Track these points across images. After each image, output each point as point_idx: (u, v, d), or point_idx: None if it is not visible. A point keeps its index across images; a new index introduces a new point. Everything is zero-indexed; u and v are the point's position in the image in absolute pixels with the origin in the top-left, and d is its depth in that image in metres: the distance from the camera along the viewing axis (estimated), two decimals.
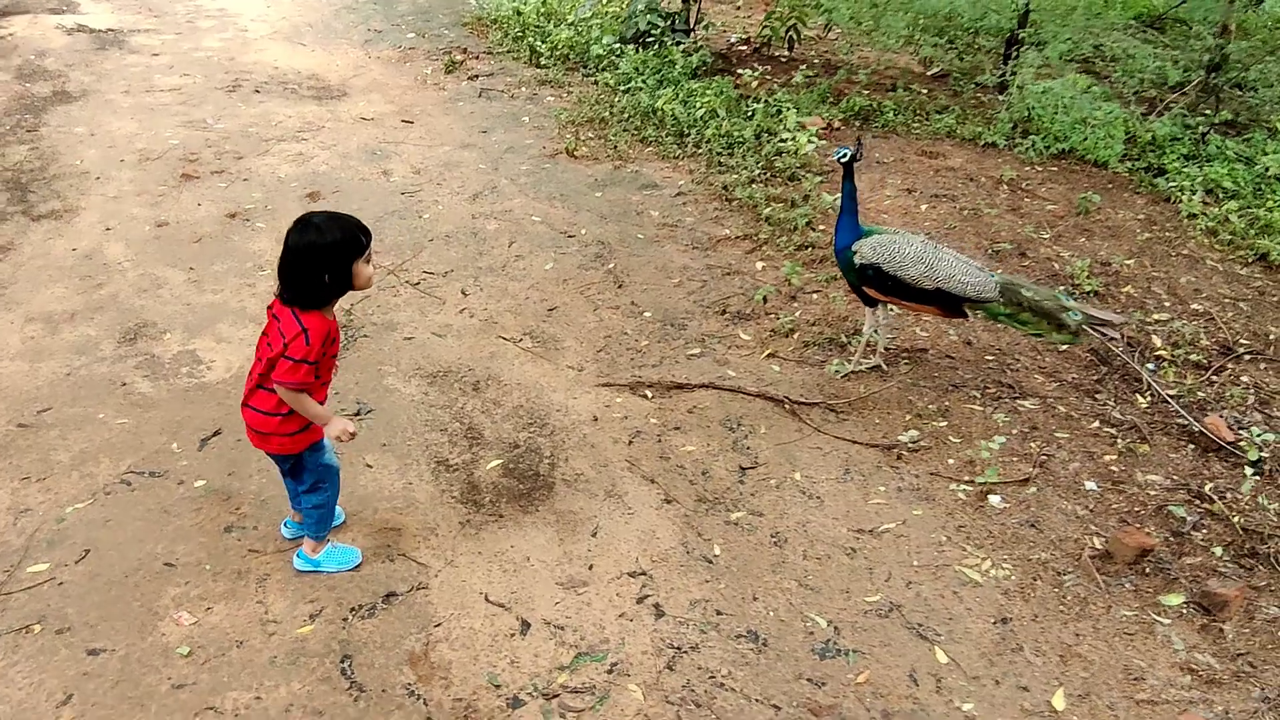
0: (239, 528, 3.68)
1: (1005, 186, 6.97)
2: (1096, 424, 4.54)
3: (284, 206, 6.31)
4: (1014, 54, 8.78)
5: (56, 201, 6.22)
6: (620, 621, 3.38)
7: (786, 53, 10.19)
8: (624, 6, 10.12)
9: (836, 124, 7.99)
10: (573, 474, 4.09)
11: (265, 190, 6.53)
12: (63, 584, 3.39)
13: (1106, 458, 4.32)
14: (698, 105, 7.59)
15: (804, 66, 8.80)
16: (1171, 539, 3.86)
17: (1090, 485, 4.14)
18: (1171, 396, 4.71)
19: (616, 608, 3.43)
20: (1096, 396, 4.75)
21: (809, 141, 6.88)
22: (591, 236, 6.08)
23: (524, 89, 8.73)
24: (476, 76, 9.07)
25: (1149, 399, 4.71)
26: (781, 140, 6.99)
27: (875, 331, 4.86)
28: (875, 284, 4.52)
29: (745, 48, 10.64)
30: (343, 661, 3.15)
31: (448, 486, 3.97)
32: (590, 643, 3.28)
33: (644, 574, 3.59)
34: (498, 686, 3.10)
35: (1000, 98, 8.43)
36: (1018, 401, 4.67)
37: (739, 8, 12.69)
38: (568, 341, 5.01)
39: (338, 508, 3.75)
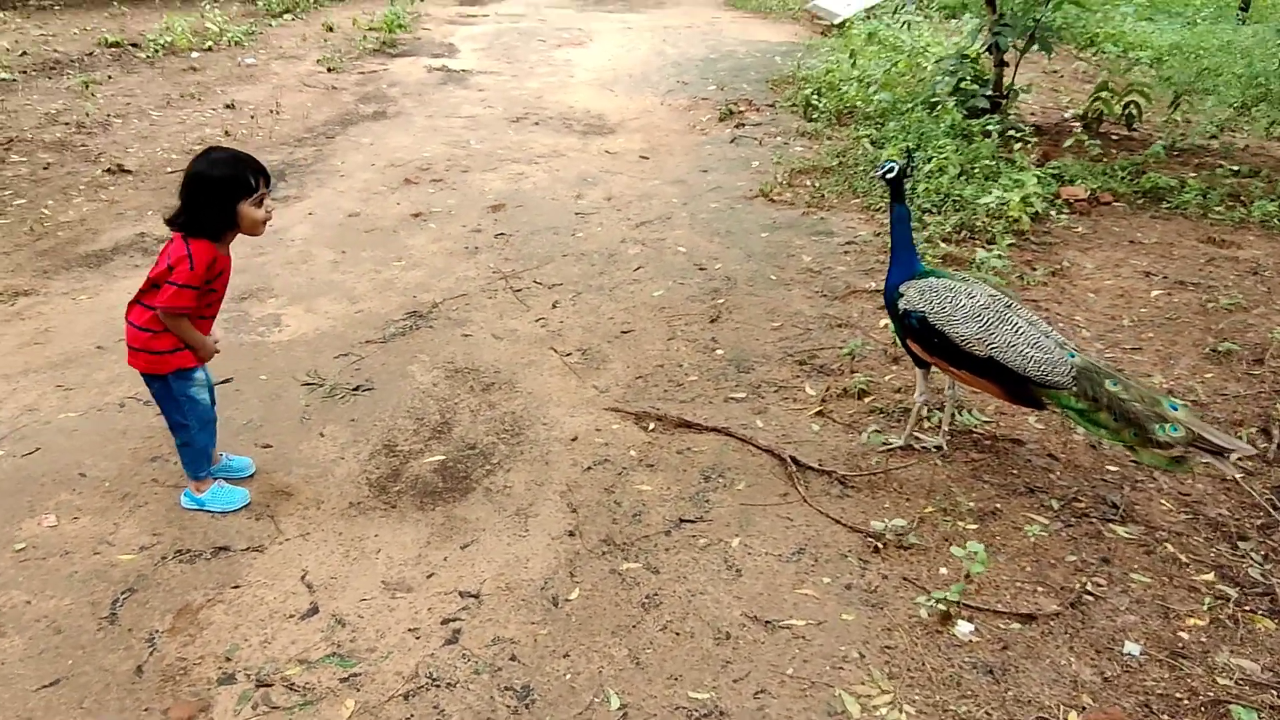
0: (163, 460, 3.79)
1: None
2: (1210, 577, 3.23)
3: (464, 214, 6.57)
4: None
5: (294, 190, 7.02)
6: (405, 636, 2.95)
7: (1125, 130, 8.79)
8: (932, 68, 9.37)
9: (1107, 198, 6.68)
10: (501, 485, 3.71)
11: (460, 199, 6.86)
12: None
13: (1189, 621, 3.04)
14: (931, 155, 6.73)
15: (1086, 137, 7.52)
16: None
17: (1131, 648, 2.92)
18: None
19: (415, 622, 3.01)
20: (1239, 544, 3.38)
21: (1025, 203, 5.81)
22: (724, 272, 5.60)
23: (779, 138, 8.38)
24: (743, 125, 8.87)
25: None
26: (1000, 200, 5.96)
27: (936, 406, 3.89)
28: (920, 339, 3.63)
29: (1077, 124, 9.35)
30: (123, 593, 3.08)
31: (372, 470, 3.79)
32: (355, 647, 2.90)
33: (475, 597, 3.12)
34: (229, 659, 2.84)
35: None
36: (1109, 524, 3.46)
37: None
38: (615, 364, 4.61)
39: (246, 459, 3.74)
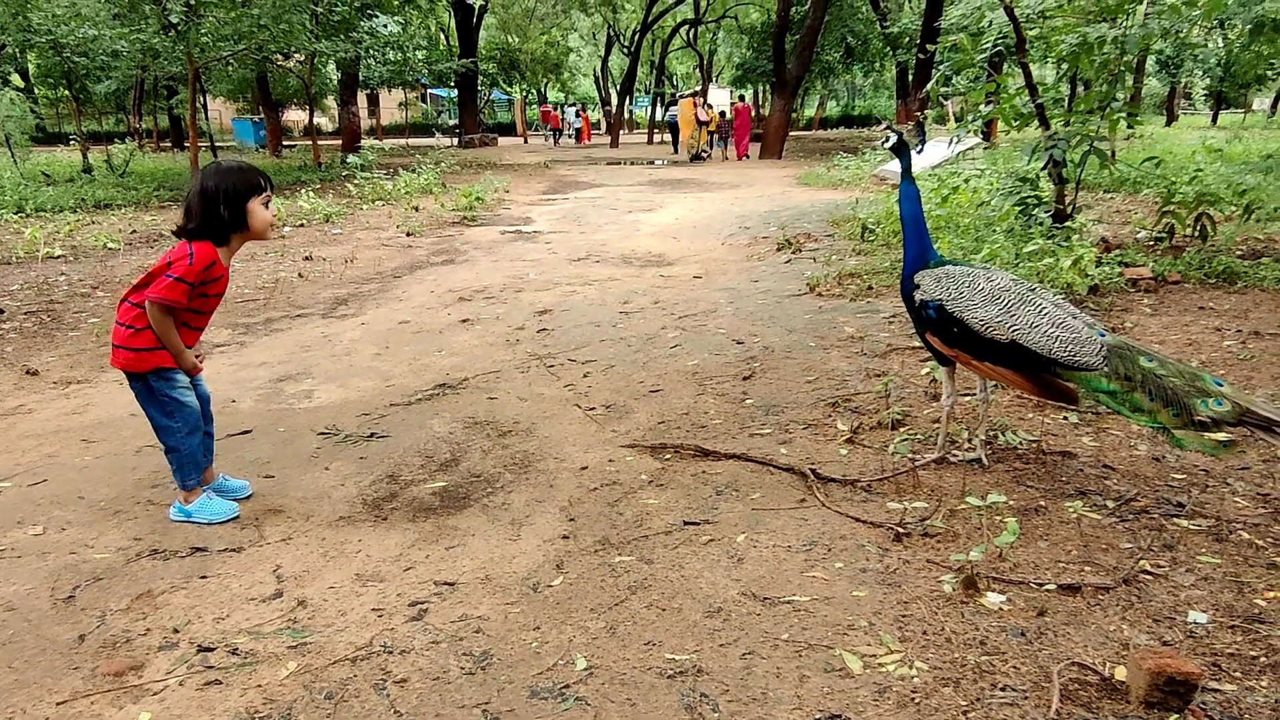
0: (164, 487, 3.70)
1: None
2: None
3: (511, 318, 6.63)
4: None
5: (352, 309, 7.23)
6: (367, 615, 2.72)
7: (1200, 243, 8.49)
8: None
9: (1175, 277, 6.38)
10: (500, 503, 3.50)
11: (509, 309, 6.95)
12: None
13: (1268, 593, 2.59)
14: (984, 248, 6.58)
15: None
16: None
17: (1197, 617, 2.49)
18: None
19: (381, 604, 2.78)
20: None
21: (1079, 270, 5.58)
22: (761, 345, 5.44)
23: (833, 256, 8.35)
24: (800, 250, 8.91)
25: None
26: (1049, 265, 5.74)
27: (970, 414, 3.59)
28: (939, 331, 3.39)
29: (1153, 244, 9.11)
30: (87, 581, 2.93)
31: (370, 494, 3.63)
32: (311, 624, 2.67)
33: (450, 585, 2.87)
34: (176, 631, 2.64)
35: None
36: (1172, 520, 3.05)
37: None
38: (638, 414, 4.43)
39: (243, 482, 3.65)
